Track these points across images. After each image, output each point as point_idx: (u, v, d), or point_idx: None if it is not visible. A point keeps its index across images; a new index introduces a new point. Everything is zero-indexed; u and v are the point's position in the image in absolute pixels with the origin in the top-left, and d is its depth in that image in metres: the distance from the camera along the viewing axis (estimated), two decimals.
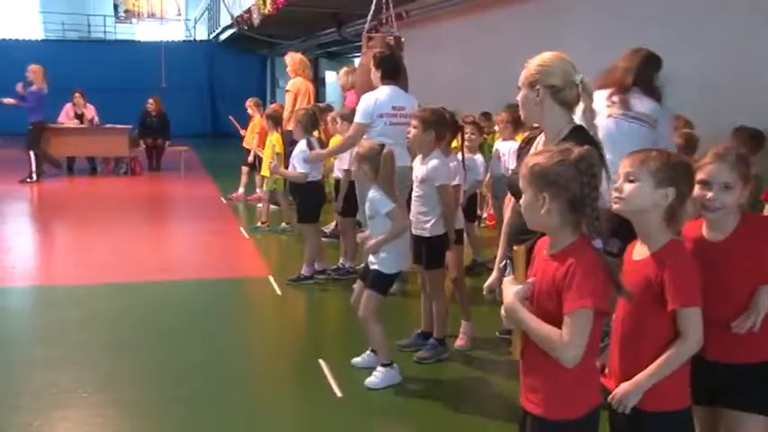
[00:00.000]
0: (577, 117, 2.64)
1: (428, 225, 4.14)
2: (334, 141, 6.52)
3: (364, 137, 5.03)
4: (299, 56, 8.52)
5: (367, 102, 5.24)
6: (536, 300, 2.02)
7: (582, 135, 2.55)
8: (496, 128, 6.42)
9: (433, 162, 4.16)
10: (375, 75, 5.34)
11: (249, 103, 10.26)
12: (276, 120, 8.07)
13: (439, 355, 4.21)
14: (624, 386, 2.08)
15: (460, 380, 4.03)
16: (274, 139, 7.99)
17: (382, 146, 4.05)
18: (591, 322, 1.92)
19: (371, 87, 5.45)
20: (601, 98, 3.53)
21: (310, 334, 4.84)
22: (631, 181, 2.11)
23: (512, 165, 5.09)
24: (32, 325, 4.88)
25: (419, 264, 4.28)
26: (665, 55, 5.70)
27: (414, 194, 4.28)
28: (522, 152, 2.83)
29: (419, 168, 4.23)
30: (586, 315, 1.90)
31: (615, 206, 2.14)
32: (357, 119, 5.27)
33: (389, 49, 6.11)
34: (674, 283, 2.02)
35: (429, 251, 4.18)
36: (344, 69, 7.91)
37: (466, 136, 6.55)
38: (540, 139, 2.73)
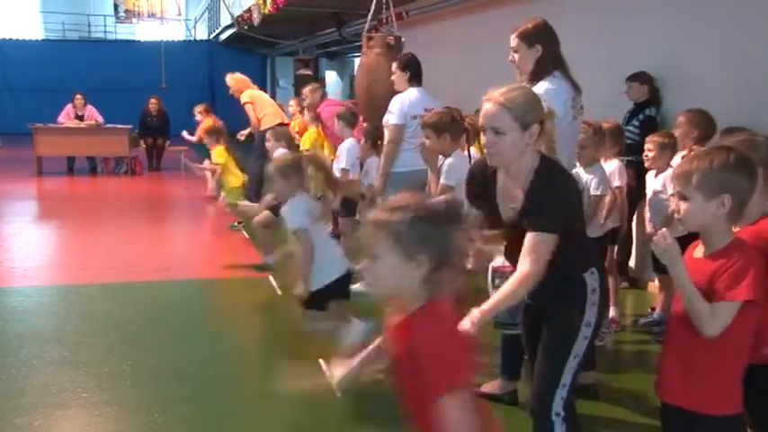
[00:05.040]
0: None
1: None
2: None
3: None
4: (235, 75, 9.32)
5: (401, 103, 5.16)
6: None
7: (550, 172, 2.43)
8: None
9: (449, 160, 4.27)
10: (401, 77, 5.27)
11: (199, 109, 10.80)
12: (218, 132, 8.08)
13: None
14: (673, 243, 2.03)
15: None
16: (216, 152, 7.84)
17: (299, 156, 4.19)
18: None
19: (371, 87, 5.45)
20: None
21: (310, 334, 4.82)
22: (684, 199, 2.04)
23: None
24: (32, 325, 4.88)
25: None
26: (665, 55, 5.71)
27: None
28: (478, 188, 2.63)
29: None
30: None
31: (680, 227, 2.13)
32: (393, 120, 5.18)
33: (390, 49, 6.13)
34: (735, 276, 1.98)
35: None
36: (309, 87, 8.12)
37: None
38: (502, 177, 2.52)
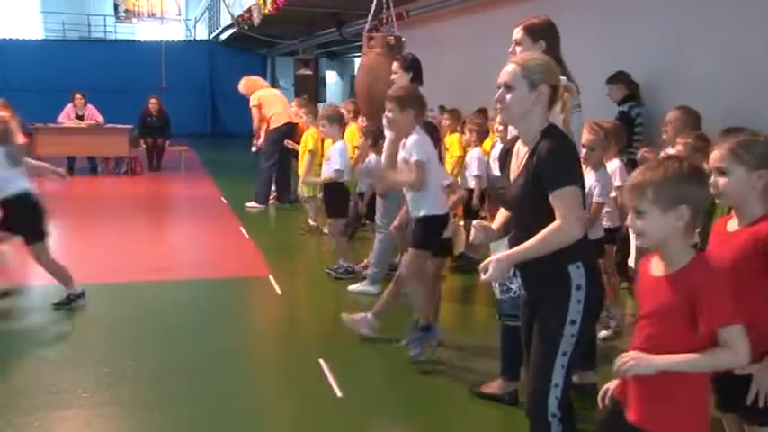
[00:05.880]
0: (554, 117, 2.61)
1: (422, 206, 4.12)
2: (328, 143, 6.52)
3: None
4: (247, 78, 9.72)
5: None
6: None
7: (557, 133, 2.51)
8: (500, 127, 6.39)
9: (413, 138, 4.12)
10: (404, 77, 5.26)
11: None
12: None
13: (429, 343, 4.16)
14: (643, 354, 1.98)
15: (461, 379, 4.02)
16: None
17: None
18: None
19: (371, 87, 5.44)
20: None
21: (310, 334, 4.83)
22: (640, 214, 2.00)
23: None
24: (32, 325, 4.88)
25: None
26: (665, 55, 5.71)
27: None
28: (504, 163, 2.76)
29: (404, 150, 4.17)
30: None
31: (638, 243, 2.09)
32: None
33: (390, 49, 6.12)
34: (721, 300, 1.95)
35: (415, 231, 4.18)
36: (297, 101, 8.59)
37: (465, 137, 6.63)
38: (519, 145, 2.64)
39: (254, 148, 10.03)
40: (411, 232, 4.25)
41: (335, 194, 6.07)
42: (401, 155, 4.22)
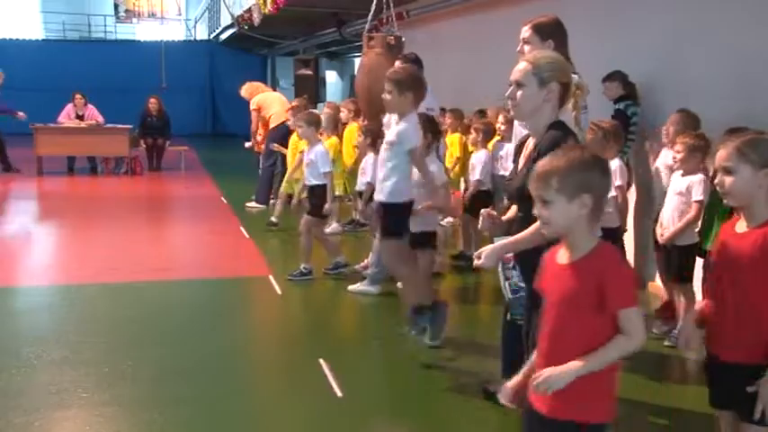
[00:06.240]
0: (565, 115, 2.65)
1: (386, 190, 4.07)
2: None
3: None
4: (247, 83, 10.16)
5: None
6: None
7: (562, 126, 2.56)
8: (502, 127, 6.41)
9: (402, 125, 4.02)
10: None
11: None
12: None
13: (426, 323, 4.10)
14: (553, 368, 1.97)
15: (461, 379, 4.03)
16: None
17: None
18: None
19: (372, 87, 5.44)
20: None
21: (310, 334, 4.83)
22: (546, 203, 2.00)
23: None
24: (32, 325, 4.88)
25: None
26: (666, 55, 5.71)
27: (379, 156, 4.22)
28: (517, 156, 2.82)
29: (391, 130, 4.12)
30: None
31: (544, 231, 2.07)
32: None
33: (390, 49, 6.12)
34: (623, 285, 1.99)
35: (384, 217, 4.12)
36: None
37: (471, 136, 6.64)
38: (531, 140, 2.72)
39: (247, 144, 10.47)
40: (379, 222, 4.19)
41: (321, 196, 5.98)
42: (386, 137, 4.18)
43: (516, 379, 2.21)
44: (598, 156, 2.04)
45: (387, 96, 4.10)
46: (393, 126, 4.17)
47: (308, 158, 6.04)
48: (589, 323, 1.96)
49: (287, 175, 8.05)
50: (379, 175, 4.17)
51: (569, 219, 1.97)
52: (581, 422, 1.99)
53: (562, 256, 2.06)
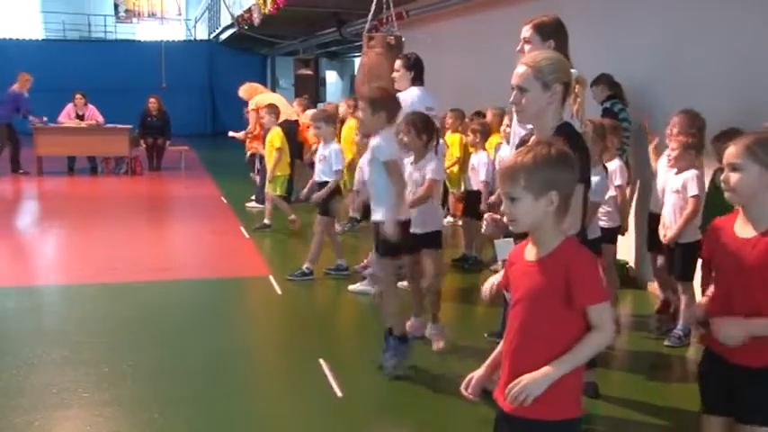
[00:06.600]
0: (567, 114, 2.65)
1: (382, 210, 3.97)
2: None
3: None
4: (246, 84, 10.23)
5: (405, 101, 5.13)
6: None
7: (570, 130, 2.55)
8: (508, 129, 6.41)
9: (376, 140, 3.95)
10: (405, 76, 5.23)
11: None
12: None
13: (405, 355, 3.98)
14: (529, 375, 1.95)
15: (461, 379, 4.02)
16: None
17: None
18: None
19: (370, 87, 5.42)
20: None
21: (310, 334, 4.83)
22: (513, 200, 1.98)
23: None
24: (32, 324, 4.88)
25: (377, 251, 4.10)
26: (665, 55, 5.71)
27: (367, 177, 4.23)
28: None
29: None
30: None
31: (512, 228, 2.06)
32: (400, 119, 5.17)
33: (390, 49, 6.12)
34: (591, 280, 1.98)
35: (381, 236, 3.99)
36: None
37: (469, 138, 6.64)
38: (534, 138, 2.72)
39: (230, 133, 10.40)
40: (376, 239, 4.09)
41: (332, 194, 6.05)
42: (367, 156, 4.17)
43: (479, 372, 2.21)
44: (565, 152, 2.02)
45: (359, 114, 4.09)
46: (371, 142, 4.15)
47: (322, 154, 6.15)
48: (558, 318, 1.97)
49: (268, 175, 8.05)
50: (372, 194, 4.12)
51: (536, 216, 1.97)
52: (545, 420, 1.98)
53: (529, 252, 2.06)
